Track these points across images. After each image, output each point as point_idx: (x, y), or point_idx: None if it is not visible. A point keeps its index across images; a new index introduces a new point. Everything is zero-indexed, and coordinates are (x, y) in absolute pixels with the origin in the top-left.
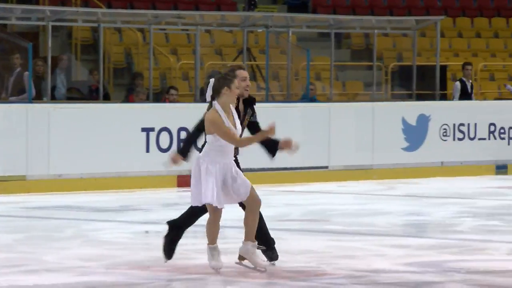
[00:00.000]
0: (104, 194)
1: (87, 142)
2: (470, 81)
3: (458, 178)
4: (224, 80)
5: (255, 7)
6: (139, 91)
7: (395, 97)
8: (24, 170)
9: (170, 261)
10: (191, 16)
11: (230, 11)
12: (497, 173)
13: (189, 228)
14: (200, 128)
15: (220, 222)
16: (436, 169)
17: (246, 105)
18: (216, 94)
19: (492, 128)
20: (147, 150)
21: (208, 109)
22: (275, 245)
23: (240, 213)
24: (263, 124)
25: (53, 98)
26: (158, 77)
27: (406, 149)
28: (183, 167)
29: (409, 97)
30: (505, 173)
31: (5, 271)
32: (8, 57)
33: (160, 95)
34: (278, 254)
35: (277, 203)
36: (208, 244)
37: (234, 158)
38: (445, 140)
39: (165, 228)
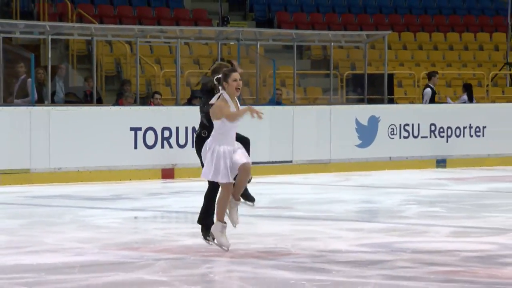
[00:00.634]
0: (98, 185)
1: (83, 139)
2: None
3: (404, 171)
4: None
5: (228, 23)
6: (127, 96)
7: (349, 101)
8: (28, 164)
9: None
10: (172, 31)
11: (206, 26)
12: (437, 167)
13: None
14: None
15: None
16: (385, 163)
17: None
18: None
19: (433, 127)
20: (135, 147)
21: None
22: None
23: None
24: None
25: (53, 102)
26: (144, 83)
27: (359, 145)
28: (166, 161)
29: (361, 101)
30: (444, 166)
31: (10, 251)
32: (13, 66)
33: (146, 99)
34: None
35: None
36: (217, 220)
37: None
38: (392, 138)
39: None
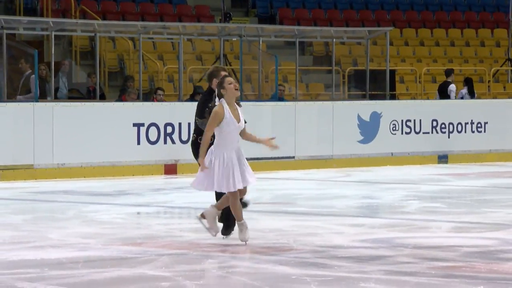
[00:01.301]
0: (101, 181)
1: (86, 135)
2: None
3: (405, 167)
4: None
5: (230, 19)
6: (130, 92)
7: (351, 97)
8: (32, 160)
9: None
10: (175, 27)
11: (208, 23)
12: (439, 162)
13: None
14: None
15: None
16: (386, 159)
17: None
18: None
19: (434, 123)
20: (138, 143)
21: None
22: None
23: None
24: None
25: (56, 98)
26: (146, 79)
27: (361, 141)
28: (169, 157)
29: (363, 97)
30: (446, 162)
31: (15, 247)
32: (17, 62)
33: (149, 95)
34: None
35: (250, 188)
36: (236, 221)
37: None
38: (394, 134)
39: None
